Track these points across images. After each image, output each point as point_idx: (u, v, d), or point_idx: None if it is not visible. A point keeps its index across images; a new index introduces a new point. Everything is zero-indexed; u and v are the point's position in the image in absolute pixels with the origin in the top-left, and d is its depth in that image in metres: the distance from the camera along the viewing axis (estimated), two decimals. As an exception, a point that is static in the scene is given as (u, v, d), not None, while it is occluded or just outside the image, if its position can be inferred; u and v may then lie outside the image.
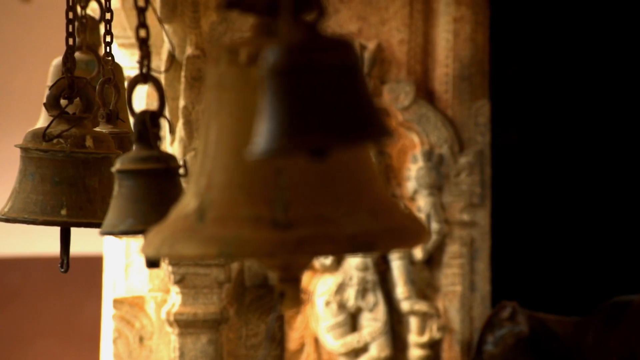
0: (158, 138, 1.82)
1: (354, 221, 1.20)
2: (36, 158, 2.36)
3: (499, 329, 4.07)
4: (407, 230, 1.25)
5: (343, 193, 1.22)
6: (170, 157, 1.87)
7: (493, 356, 4.07)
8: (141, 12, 1.83)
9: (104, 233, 1.90)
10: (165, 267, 3.88)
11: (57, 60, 2.88)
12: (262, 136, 1.18)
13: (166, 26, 3.63)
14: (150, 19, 3.78)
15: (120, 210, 1.84)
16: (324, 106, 1.19)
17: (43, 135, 2.35)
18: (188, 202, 1.27)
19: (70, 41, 2.50)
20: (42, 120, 2.88)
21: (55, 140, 2.33)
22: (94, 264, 5.15)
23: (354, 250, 1.20)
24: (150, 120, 1.81)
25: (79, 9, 2.73)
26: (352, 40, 1.26)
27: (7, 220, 2.42)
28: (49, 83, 2.81)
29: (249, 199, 1.21)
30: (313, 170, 1.21)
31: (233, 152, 1.26)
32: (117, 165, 1.85)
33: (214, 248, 1.19)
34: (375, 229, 1.21)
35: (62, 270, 2.38)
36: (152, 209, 1.77)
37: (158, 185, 1.80)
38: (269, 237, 1.18)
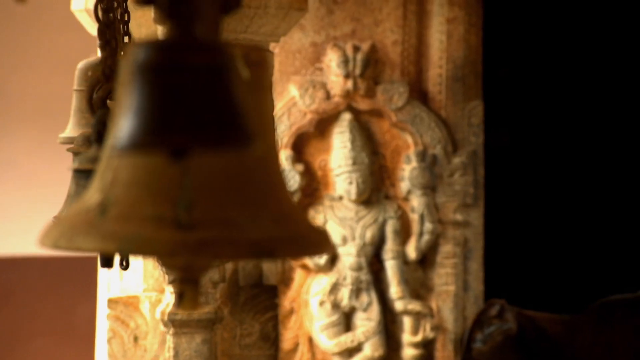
0: None
1: (257, 227, 1.19)
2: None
3: (488, 327, 4.09)
4: (309, 239, 1.24)
5: (249, 198, 1.22)
6: None
7: (482, 353, 4.09)
8: (105, 12, 1.84)
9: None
10: (159, 266, 3.90)
11: (83, 63, 2.88)
12: (124, 131, 1.19)
13: (160, 27, 3.64)
14: (146, 19, 3.79)
15: None
16: (186, 107, 1.19)
17: (97, 137, 2.35)
18: (91, 197, 1.25)
19: (106, 46, 2.49)
20: (72, 124, 2.87)
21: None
22: (89, 264, 5.16)
23: (255, 255, 1.19)
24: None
25: (99, 11, 2.73)
26: (226, 44, 1.26)
27: None
28: (76, 87, 2.81)
29: (153, 198, 1.19)
30: (220, 174, 1.21)
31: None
32: (75, 164, 1.84)
33: (113, 244, 1.18)
34: (277, 236, 1.20)
35: (123, 267, 2.37)
36: None
37: None
38: (170, 236, 1.16)
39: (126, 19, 2.82)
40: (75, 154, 2.38)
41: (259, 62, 1.26)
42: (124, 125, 1.20)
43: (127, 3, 2.79)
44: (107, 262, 1.67)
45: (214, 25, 1.24)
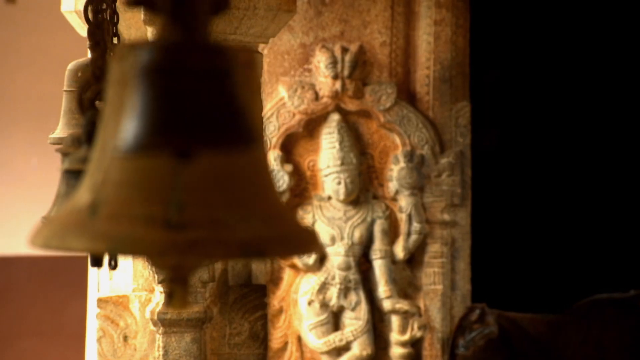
0: None
1: (247, 227, 1.20)
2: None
3: (469, 332, 4.11)
4: (298, 239, 1.25)
5: (238, 198, 1.22)
6: None
7: (465, 358, 4.11)
8: (95, 14, 1.84)
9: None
10: (149, 266, 3.91)
11: (73, 64, 2.88)
12: (128, 133, 1.19)
13: (149, 28, 3.66)
14: (135, 20, 3.81)
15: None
16: (191, 108, 1.19)
17: (87, 138, 2.35)
18: (82, 196, 1.26)
19: (95, 47, 2.50)
20: (62, 125, 2.88)
21: None
22: (78, 264, 5.17)
23: (245, 255, 1.20)
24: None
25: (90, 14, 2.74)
26: (228, 46, 1.27)
27: None
28: (66, 87, 2.81)
29: (144, 198, 1.20)
30: (210, 174, 1.21)
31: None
32: (65, 165, 1.85)
33: (103, 244, 1.19)
34: (267, 236, 1.21)
35: (111, 267, 2.38)
36: None
37: None
38: (160, 236, 1.17)
39: (115, 20, 2.84)
40: (65, 154, 2.39)
41: (249, 64, 1.27)
42: (126, 127, 1.21)
43: (116, 4, 2.81)
44: (97, 262, 1.68)
45: (205, 27, 1.25)
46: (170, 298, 1.26)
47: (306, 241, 1.26)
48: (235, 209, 1.22)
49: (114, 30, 2.88)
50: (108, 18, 2.86)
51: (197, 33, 1.24)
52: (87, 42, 2.53)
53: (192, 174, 1.21)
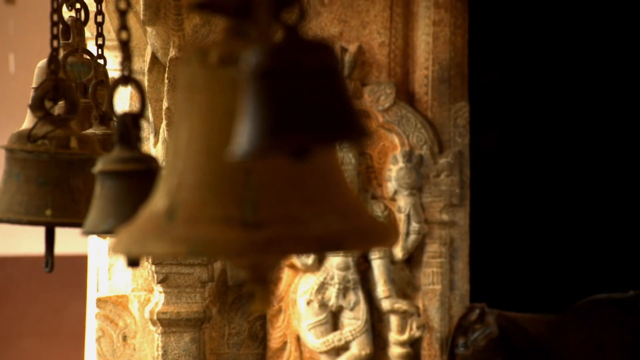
0: (139, 139, 1.85)
1: (323, 222, 1.21)
2: (21, 159, 2.36)
3: (472, 333, 4.11)
4: (374, 232, 1.26)
5: (312, 194, 1.23)
6: (151, 159, 1.90)
7: (465, 358, 4.11)
8: (122, 14, 1.86)
9: (85, 233, 1.93)
10: (148, 266, 3.92)
11: (43, 62, 2.90)
12: (243, 137, 1.18)
13: (149, 29, 3.67)
14: (134, 21, 3.82)
15: (101, 210, 1.87)
16: (305, 107, 1.19)
17: (28, 136, 2.36)
18: (158, 202, 1.28)
19: (55, 43, 2.53)
20: (28, 122, 2.90)
21: (40, 142, 2.34)
22: (78, 264, 5.18)
23: (322, 250, 1.22)
24: (131, 122, 1.84)
25: (64, 11, 2.76)
26: (332, 43, 1.28)
27: None
28: (34, 85, 2.83)
29: (219, 199, 1.22)
30: (283, 172, 1.22)
31: (204, 152, 1.27)
32: (98, 166, 1.87)
33: (183, 247, 1.20)
34: (343, 230, 1.22)
35: (47, 269, 2.40)
36: (132, 210, 1.79)
37: (139, 186, 1.81)
38: (238, 236, 1.18)
39: (100, 20, 2.86)
40: (9, 150, 2.39)
41: (339, 59, 1.27)
42: (241, 130, 1.19)
43: (101, 5, 2.83)
44: (133, 262, 1.70)
45: (301, 26, 1.26)
46: (252, 299, 1.27)
47: (382, 234, 1.27)
48: (310, 204, 1.23)
49: (99, 30, 2.90)
50: (82, 18, 2.88)
51: (298, 33, 1.25)
52: (61, 41, 2.56)
53: (264, 172, 1.22)
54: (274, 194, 1.22)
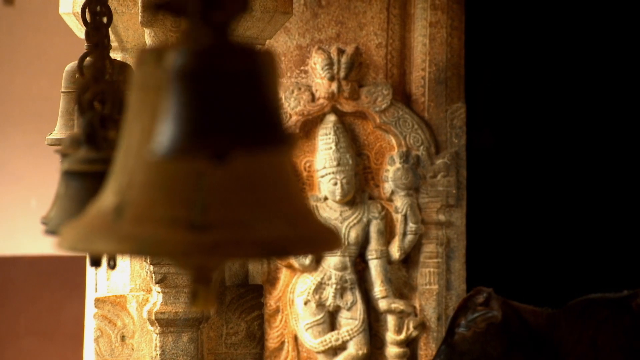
0: (106, 140, 1.83)
1: (269, 227, 1.22)
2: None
3: (472, 313, 4.11)
4: (319, 237, 1.27)
5: (261, 199, 1.24)
6: None
7: (464, 338, 4.11)
8: (94, 15, 1.84)
9: (47, 232, 1.89)
10: (146, 267, 3.93)
11: (70, 65, 2.90)
12: (164, 137, 1.20)
13: (147, 30, 3.68)
14: (133, 22, 3.83)
15: (65, 210, 1.84)
16: (225, 111, 1.20)
17: (89, 139, 2.34)
18: (107, 199, 1.28)
19: (94, 43, 2.51)
20: (60, 126, 2.88)
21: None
22: (76, 264, 5.19)
23: (267, 255, 1.22)
24: (99, 123, 1.83)
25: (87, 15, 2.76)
26: (258, 47, 1.28)
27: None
28: (64, 89, 2.83)
29: (168, 200, 1.22)
30: (233, 175, 1.23)
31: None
32: (64, 166, 1.86)
33: (129, 246, 1.21)
34: (288, 235, 1.23)
35: (110, 266, 2.37)
36: None
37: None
38: (184, 238, 1.19)
39: (105, 21, 2.87)
40: (64, 155, 2.39)
41: (272, 65, 1.27)
42: (161, 131, 1.21)
43: (107, 5, 2.83)
44: (96, 262, 1.69)
45: (232, 30, 1.26)
46: (194, 298, 1.28)
47: (328, 240, 1.27)
48: (258, 209, 1.23)
49: (105, 32, 2.90)
50: (105, 20, 2.89)
51: (227, 36, 1.25)
52: (85, 44, 2.55)
53: (216, 175, 1.22)
54: (224, 197, 1.22)
